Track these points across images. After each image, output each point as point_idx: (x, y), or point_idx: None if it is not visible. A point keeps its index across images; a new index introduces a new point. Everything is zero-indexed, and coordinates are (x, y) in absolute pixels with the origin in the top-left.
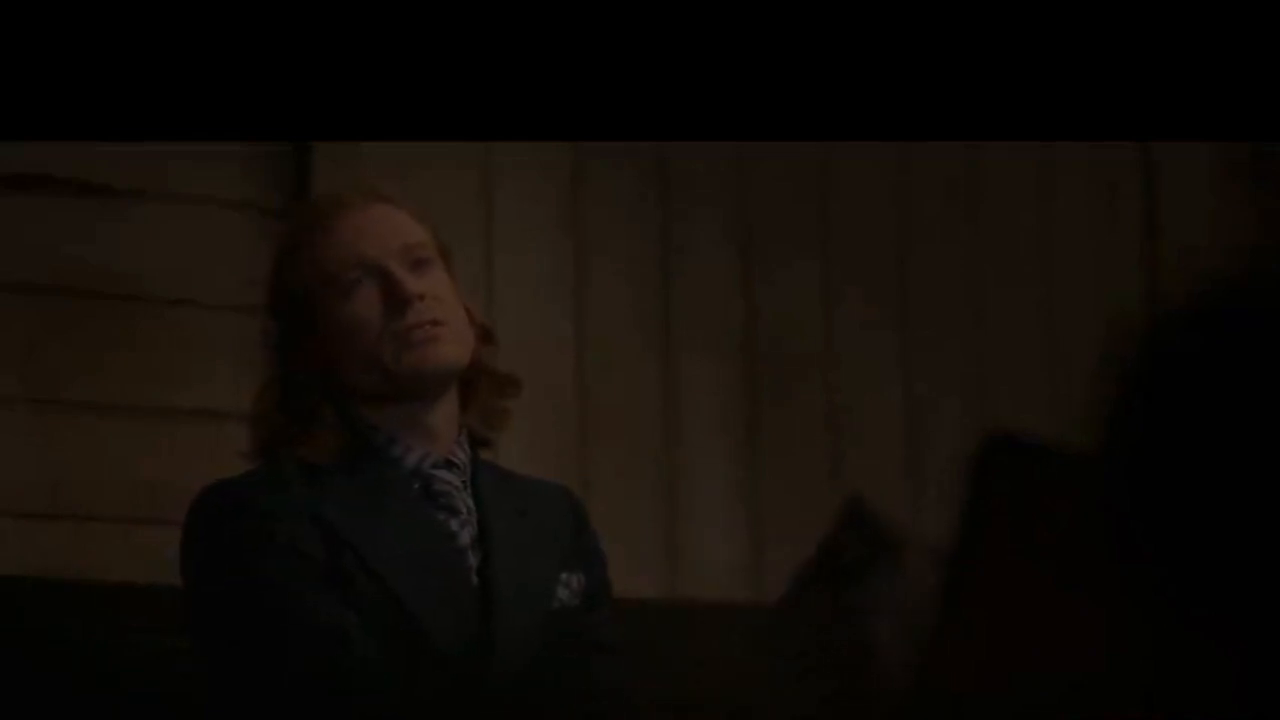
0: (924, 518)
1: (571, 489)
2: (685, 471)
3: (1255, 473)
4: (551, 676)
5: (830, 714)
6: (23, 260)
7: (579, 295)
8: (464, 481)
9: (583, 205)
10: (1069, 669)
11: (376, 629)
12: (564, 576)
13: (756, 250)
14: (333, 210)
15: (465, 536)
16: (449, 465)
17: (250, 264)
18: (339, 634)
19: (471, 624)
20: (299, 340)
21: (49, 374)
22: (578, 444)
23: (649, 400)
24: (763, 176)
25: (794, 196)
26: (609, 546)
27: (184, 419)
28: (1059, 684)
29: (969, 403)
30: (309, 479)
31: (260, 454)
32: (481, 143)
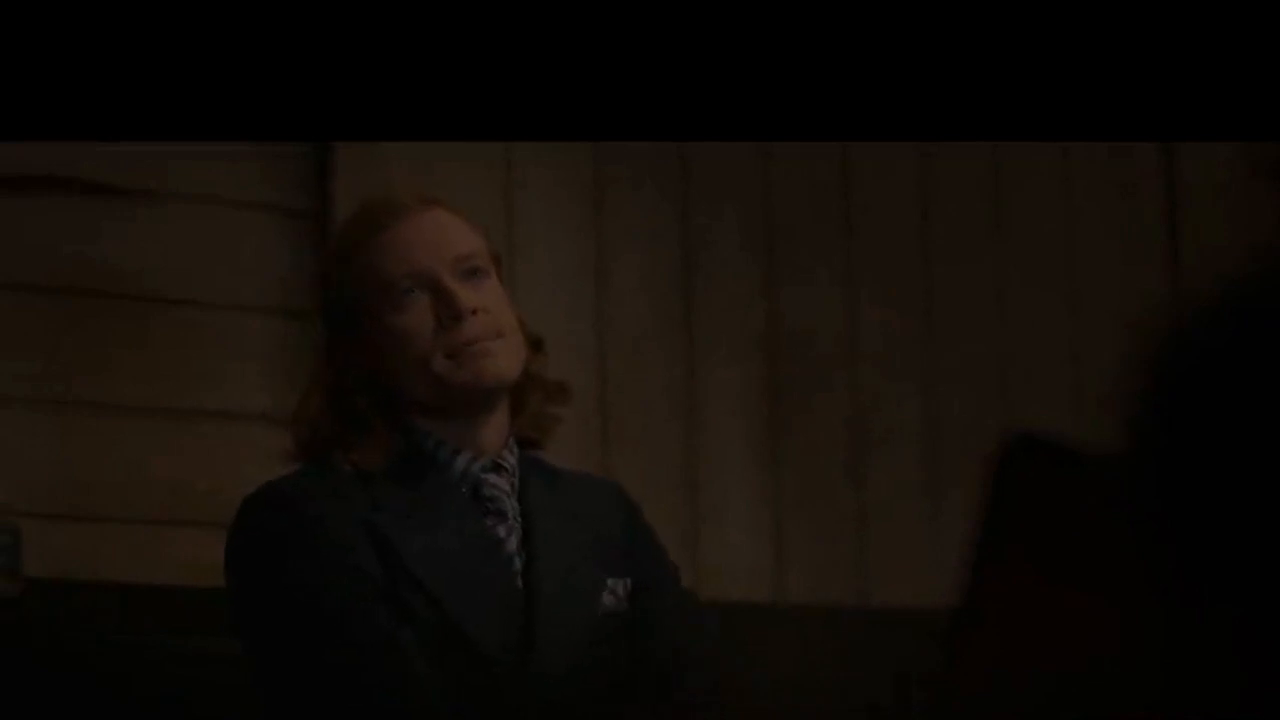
0: (945, 519)
1: (623, 486)
2: (706, 473)
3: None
4: (592, 682)
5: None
6: (40, 261)
7: (601, 298)
8: (512, 485)
9: (604, 207)
10: (1089, 670)
11: (422, 637)
12: (610, 582)
13: (778, 252)
14: (385, 216)
15: (512, 542)
16: (497, 469)
17: (270, 265)
18: (385, 644)
19: (515, 630)
20: (349, 345)
21: (66, 375)
22: (600, 446)
23: (670, 403)
24: (784, 178)
25: (816, 198)
26: None
27: (201, 420)
28: (1079, 684)
29: (991, 404)
30: (359, 484)
31: (305, 456)
32: (502, 144)
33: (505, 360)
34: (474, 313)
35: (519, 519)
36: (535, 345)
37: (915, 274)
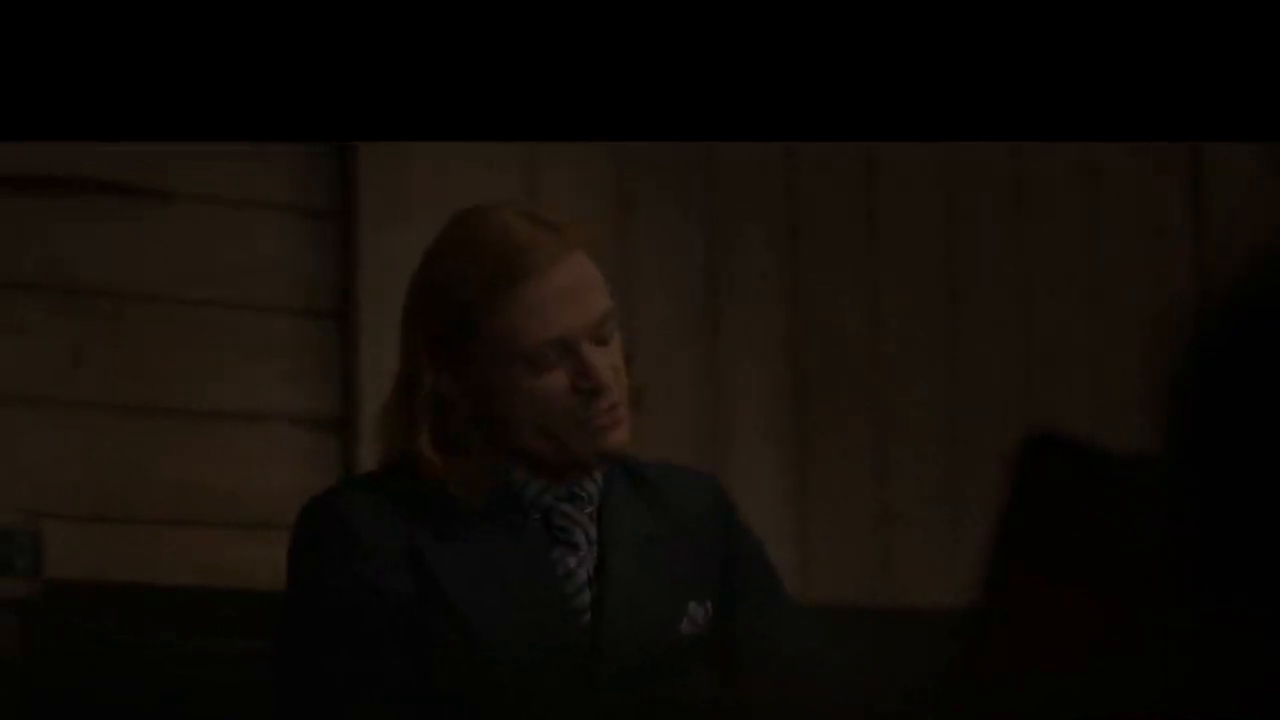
0: (970, 519)
1: (719, 480)
2: (732, 475)
3: None
4: (659, 710)
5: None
6: (66, 263)
7: (626, 299)
8: (591, 512)
9: (628, 208)
10: (1100, 675)
11: (452, 663)
12: (691, 607)
13: (803, 253)
14: (523, 263)
15: (583, 573)
16: (572, 498)
17: (293, 265)
18: (382, 665)
19: (577, 664)
20: (466, 380)
21: (88, 376)
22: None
23: (695, 403)
24: (809, 179)
25: (840, 199)
26: None
27: (224, 421)
28: (1089, 690)
29: (1016, 404)
30: (424, 499)
31: (389, 463)
32: (526, 144)
33: (626, 427)
34: (610, 384)
35: (593, 547)
36: (628, 361)
37: (940, 274)
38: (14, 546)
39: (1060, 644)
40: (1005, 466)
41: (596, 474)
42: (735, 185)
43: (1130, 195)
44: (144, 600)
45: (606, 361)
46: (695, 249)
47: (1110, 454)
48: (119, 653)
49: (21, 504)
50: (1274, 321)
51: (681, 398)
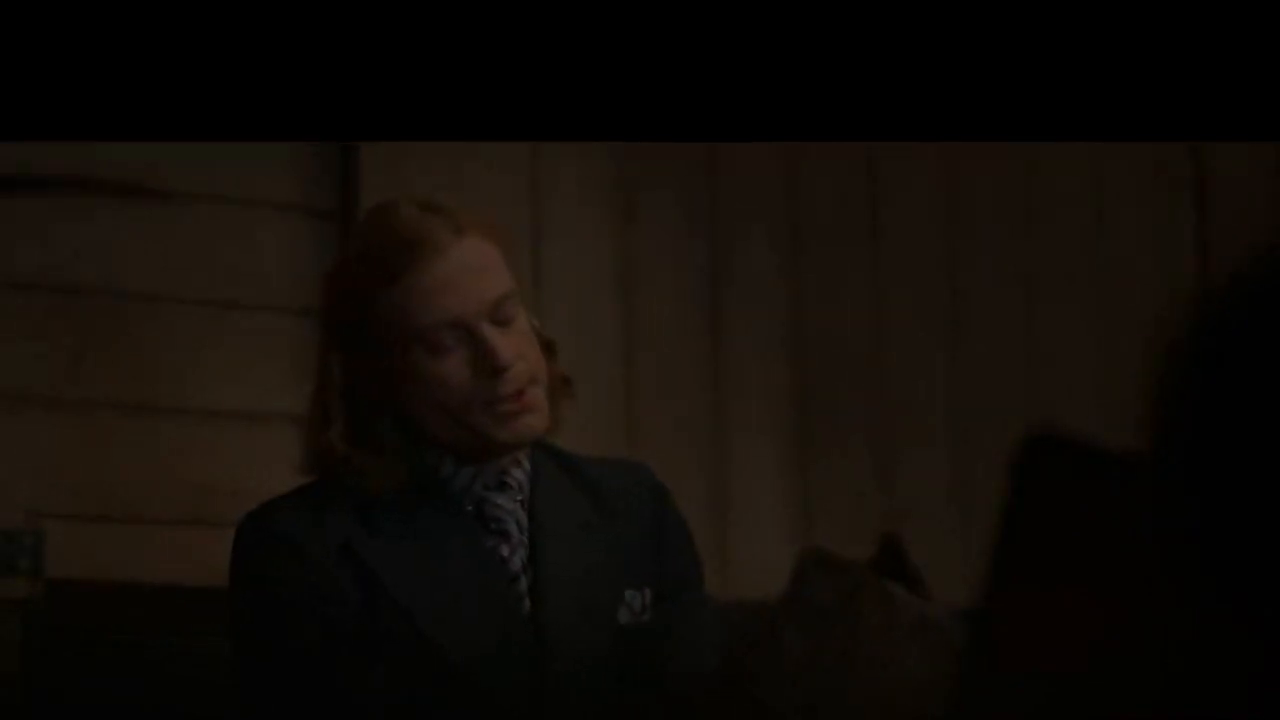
0: (971, 519)
1: (651, 470)
2: (734, 474)
3: None
4: (608, 699)
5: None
6: (70, 263)
7: (626, 299)
8: (521, 500)
9: (632, 208)
10: (1103, 672)
11: (405, 663)
12: (628, 595)
13: (806, 255)
14: (415, 252)
15: (517, 561)
16: (502, 486)
17: (295, 265)
18: (334, 675)
19: (521, 654)
20: (372, 376)
21: (88, 375)
22: (627, 447)
23: (699, 405)
24: (812, 180)
25: (843, 200)
26: None
27: (224, 420)
28: (1092, 686)
29: (1020, 405)
30: (357, 505)
31: (314, 470)
32: (527, 144)
33: (541, 411)
34: (512, 364)
35: (525, 535)
36: (549, 350)
37: (941, 274)
38: (16, 546)
39: (1060, 644)
40: (1006, 466)
41: (524, 461)
42: (737, 185)
43: (1132, 195)
44: (144, 600)
45: (510, 343)
46: (697, 249)
47: (1110, 454)
48: (119, 653)
49: (23, 504)
50: (1275, 322)
51: (681, 398)
